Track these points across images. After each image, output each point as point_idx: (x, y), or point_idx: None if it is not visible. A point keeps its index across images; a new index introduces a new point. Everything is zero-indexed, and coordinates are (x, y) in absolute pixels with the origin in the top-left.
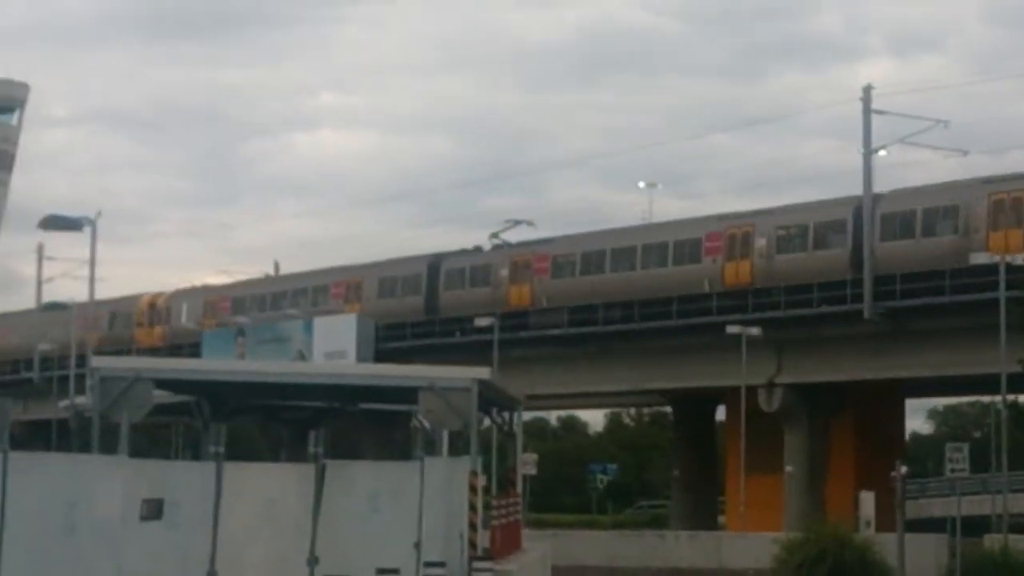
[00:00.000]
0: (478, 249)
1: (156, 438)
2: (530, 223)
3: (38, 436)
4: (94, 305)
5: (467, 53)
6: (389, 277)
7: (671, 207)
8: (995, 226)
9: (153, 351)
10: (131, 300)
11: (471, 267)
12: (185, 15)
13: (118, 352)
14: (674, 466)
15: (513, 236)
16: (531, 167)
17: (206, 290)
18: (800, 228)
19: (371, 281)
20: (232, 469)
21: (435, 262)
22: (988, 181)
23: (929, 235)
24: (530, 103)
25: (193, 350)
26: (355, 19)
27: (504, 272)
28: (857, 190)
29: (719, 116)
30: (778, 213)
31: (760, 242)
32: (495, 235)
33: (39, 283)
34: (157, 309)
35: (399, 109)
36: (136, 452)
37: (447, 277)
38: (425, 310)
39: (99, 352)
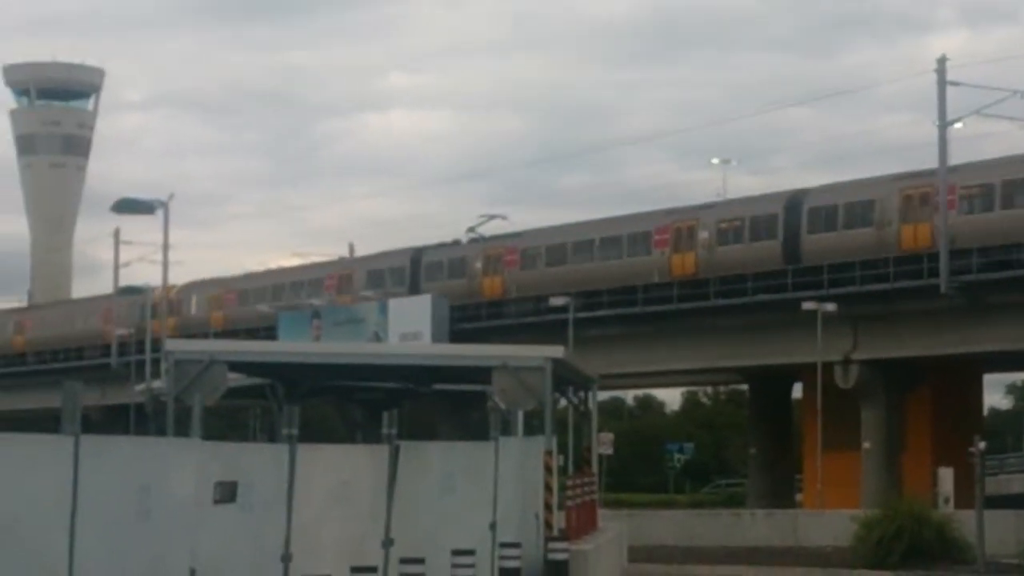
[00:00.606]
0: (456, 243)
1: (233, 421)
2: (504, 217)
3: (116, 421)
4: (164, 289)
5: (540, 31)
6: (377, 269)
7: (745, 183)
8: (906, 219)
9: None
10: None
11: (448, 260)
12: None
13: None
14: (751, 444)
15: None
16: (604, 144)
17: (214, 283)
18: (739, 222)
19: (360, 273)
20: (306, 451)
21: (417, 255)
22: (899, 178)
23: (849, 228)
24: (603, 80)
25: (268, 333)
26: None
27: (478, 265)
28: (933, 162)
29: (793, 91)
30: (720, 207)
31: (703, 235)
32: (471, 229)
33: (116, 268)
34: (170, 301)
35: (471, 88)
36: (213, 435)
37: (427, 269)
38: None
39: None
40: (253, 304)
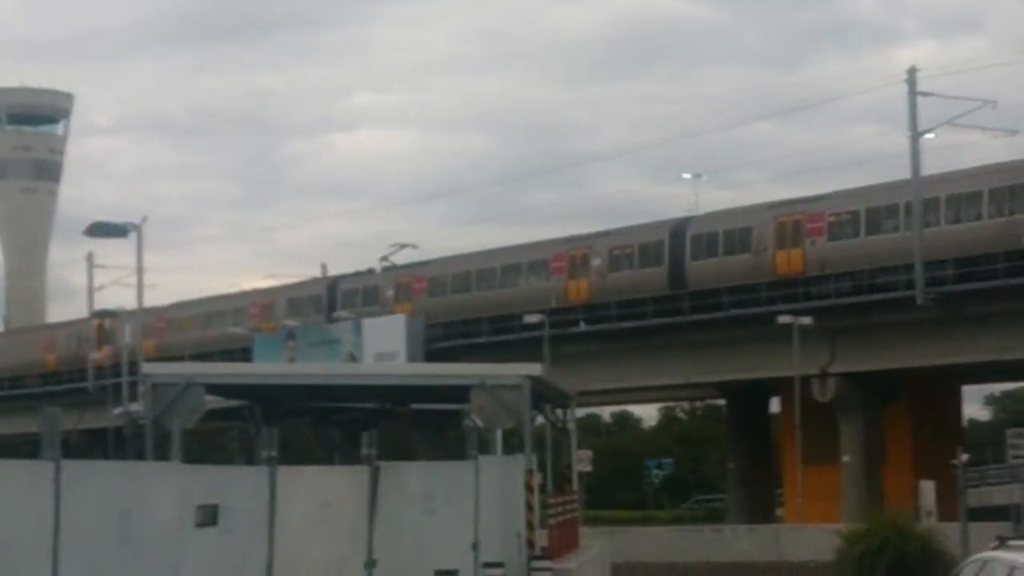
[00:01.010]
0: (371, 271)
1: (211, 444)
2: (414, 246)
3: (95, 445)
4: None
5: (504, 49)
6: (296, 298)
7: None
8: (780, 245)
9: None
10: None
11: (363, 287)
12: (221, 21)
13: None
14: (729, 459)
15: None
16: (572, 161)
17: (144, 312)
18: (628, 249)
19: (281, 302)
20: (286, 473)
21: (333, 284)
22: (773, 206)
23: (729, 254)
24: (570, 97)
25: (243, 355)
26: (390, 19)
27: (390, 292)
28: (904, 173)
29: (761, 104)
30: (612, 235)
31: (596, 262)
32: (384, 258)
33: (90, 291)
34: (103, 329)
35: (437, 107)
36: (191, 458)
37: (344, 297)
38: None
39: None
40: (181, 332)
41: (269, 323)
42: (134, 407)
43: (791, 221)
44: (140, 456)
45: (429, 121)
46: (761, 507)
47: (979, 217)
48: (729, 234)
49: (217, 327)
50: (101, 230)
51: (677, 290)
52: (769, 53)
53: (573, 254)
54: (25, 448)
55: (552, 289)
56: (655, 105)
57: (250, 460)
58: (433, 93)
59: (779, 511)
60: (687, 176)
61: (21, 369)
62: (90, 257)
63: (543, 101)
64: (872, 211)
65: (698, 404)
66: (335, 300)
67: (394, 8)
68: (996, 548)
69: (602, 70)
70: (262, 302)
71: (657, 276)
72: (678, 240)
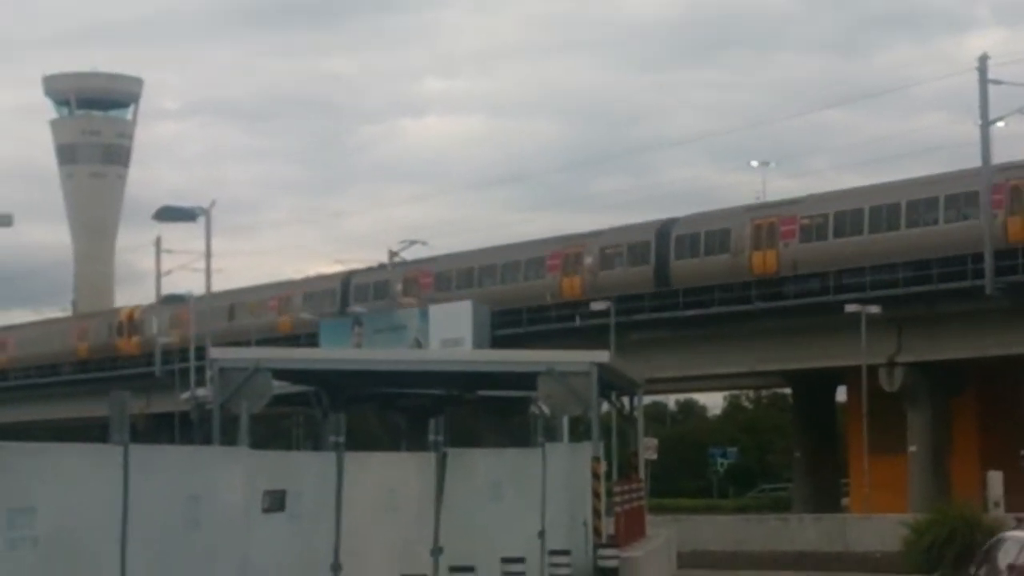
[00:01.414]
0: (383, 267)
1: (277, 429)
2: (424, 243)
3: (162, 429)
4: (210, 297)
5: (575, 34)
6: (311, 292)
7: (784, 185)
8: (756, 247)
9: (133, 359)
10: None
11: (374, 283)
12: (291, 5)
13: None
14: (795, 448)
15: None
16: (641, 147)
17: (173, 305)
18: (618, 248)
19: (297, 296)
20: (353, 459)
21: (347, 279)
22: (750, 209)
23: (709, 254)
24: (639, 82)
25: (311, 340)
26: (461, 4)
27: (399, 287)
28: (975, 161)
29: (830, 92)
30: (604, 235)
31: (588, 260)
32: (395, 254)
33: (158, 276)
34: (132, 320)
35: (506, 92)
36: (257, 443)
37: (356, 291)
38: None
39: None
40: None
41: (286, 317)
42: (201, 392)
43: (767, 223)
44: (207, 441)
45: (497, 106)
46: (827, 496)
47: None
48: (710, 235)
49: (240, 319)
50: (169, 214)
51: (662, 288)
52: (840, 40)
53: (567, 252)
54: (94, 432)
55: (547, 286)
56: (725, 91)
57: (316, 446)
58: (502, 78)
59: (845, 501)
60: (755, 163)
61: (52, 358)
62: (158, 242)
63: (612, 86)
64: (840, 215)
65: (764, 392)
66: (348, 294)
67: None
68: (1015, 528)
69: (672, 56)
70: (281, 295)
71: (644, 275)
72: (664, 241)
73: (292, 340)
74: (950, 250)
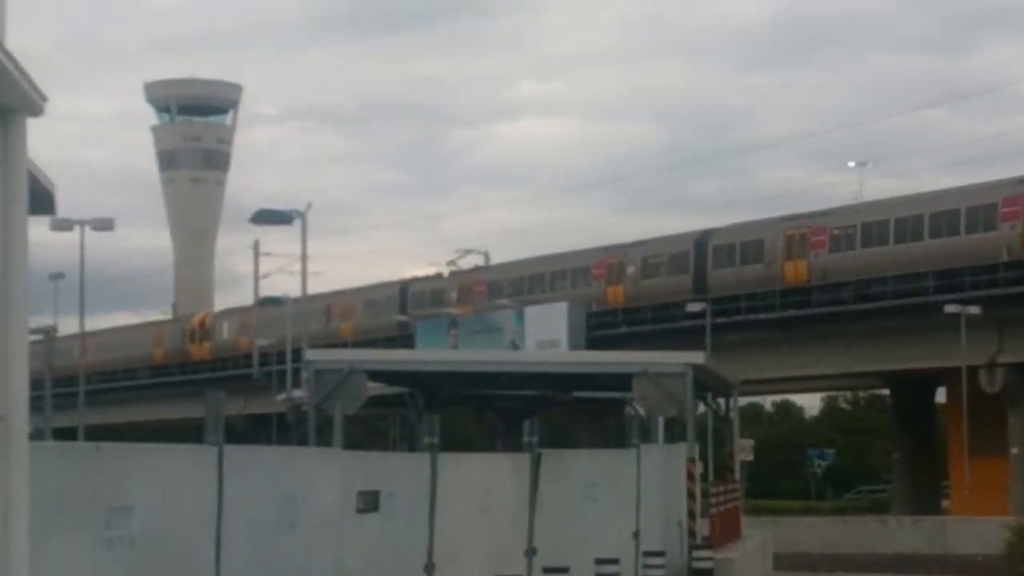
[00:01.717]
0: (440, 276)
1: (372, 430)
2: (480, 252)
3: (259, 430)
4: (306, 299)
5: (669, 36)
6: (372, 300)
7: (881, 186)
8: (788, 256)
9: (203, 363)
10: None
11: (431, 291)
12: (386, 10)
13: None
14: (894, 450)
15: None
16: (736, 149)
17: (241, 311)
18: (659, 258)
19: (359, 305)
20: (447, 460)
21: (405, 287)
22: (784, 219)
23: (744, 264)
24: (735, 84)
25: (405, 342)
26: (555, 7)
27: (453, 295)
28: None
29: (928, 91)
30: (646, 245)
31: (631, 270)
32: (452, 263)
33: (256, 279)
34: (204, 326)
35: (601, 95)
36: (353, 444)
37: (413, 299)
38: (398, 327)
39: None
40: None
41: (347, 323)
42: (297, 393)
43: (798, 234)
44: (303, 442)
45: (593, 109)
46: (926, 498)
47: None
48: (745, 246)
49: (302, 325)
50: (266, 217)
51: (701, 295)
52: (938, 40)
53: (611, 262)
54: (192, 433)
55: (592, 294)
56: (820, 92)
57: (411, 447)
58: (597, 81)
59: (945, 503)
60: (852, 164)
61: (133, 362)
62: (256, 245)
63: (707, 88)
64: (867, 226)
65: (862, 394)
66: (406, 302)
67: None
68: None
69: (767, 57)
70: (342, 303)
71: (683, 283)
72: (702, 251)
73: (390, 342)
74: (969, 260)
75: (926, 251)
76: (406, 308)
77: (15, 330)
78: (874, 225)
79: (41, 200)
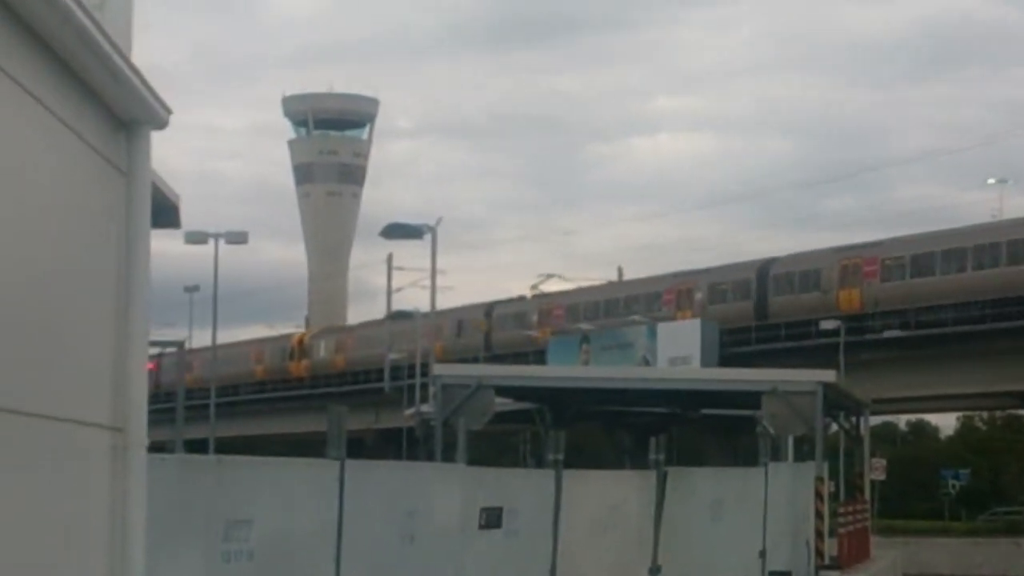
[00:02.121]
0: (522, 298)
1: (504, 446)
2: (561, 276)
3: (389, 444)
4: (435, 314)
5: (806, 52)
6: (458, 320)
7: (1021, 204)
8: (842, 285)
9: (300, 380)
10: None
11: (514, 314)
12: (521, 24)
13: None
14: None
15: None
16: (872, 166)
17: (337, 329)
18: (725, 285)
19: (449, 325)
20: (571, 476)
21: (490, 310)
22: (838, 251)
23: (803, 292)
24: (871, 100)
25: (537, 358)
26: (690, 21)
27: (534, 318)
28: None
29: None
30: (712, 272)
31: (698, 296)
32: (534, 287)
33: (389, 293)
34: (303, 345)
35: (736, 110)
36: (482, 460)
37: (497, 321)
38: (484, 348)
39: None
40: (366, 349)
41: (438, 343)
42: (425, 408)
43: (852, 264)
44: (431, 457)
45: (728, 124)
46: None
47: None
48: (804, 275)
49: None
50: (397, 231)
51: (761, 321)
52: None
53: (680, 288)
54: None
55: (664, 319)
56: (959, 108)
57: (539, 463)
58: (732, 96)
59: None
60: (992, 181)
61: (231, 379)
62: (389, 259)
63: (844, 104)
64: (916, 258)
65: (998, 414)
66: (491, 323)
67: (697, 10)
68: None
69: (904, 73)
70: (429, 323)
71: (745, 309)
72: (763, 279)
73: (521, 357)
74: (1009, 291)
75: (970, 282)
76: (490, 331)
77: (135, 342)
78: (922, 257)
79: (166, 213)
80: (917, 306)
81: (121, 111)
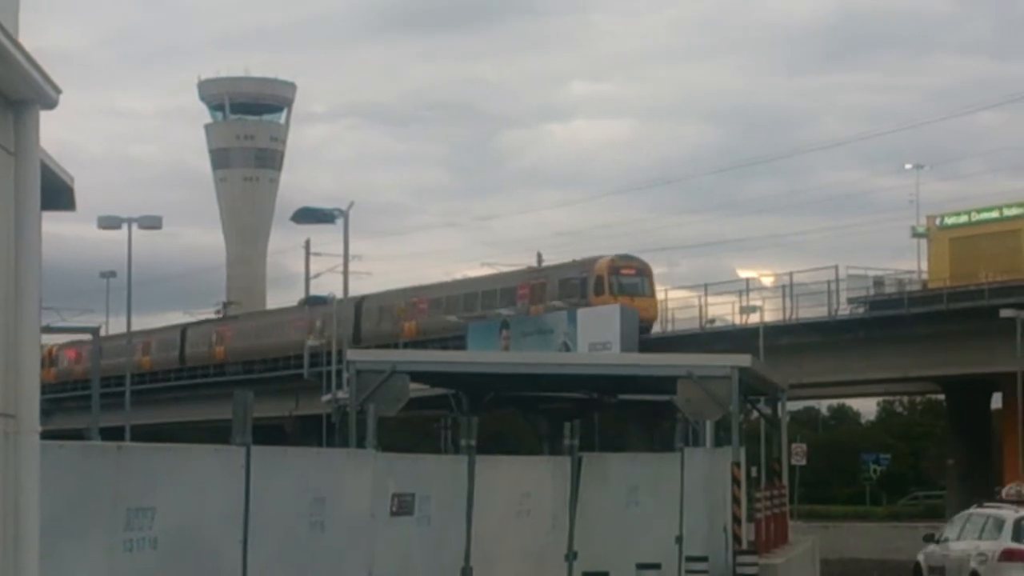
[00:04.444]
0: (389, 292)
1: (425, 432)
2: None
3: (310, 431)
4: (348, 300)
5: (723, 37)
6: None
7: (937, 189)
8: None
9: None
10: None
11: (380, 307)
12: (437, 10)
13: None
14: (949, 455)
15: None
16: (791, 151)
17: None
18: (574, 280)
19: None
20: (484, 462)
21: (360, 302)
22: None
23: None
24: (789, 86)
25: (458, 343)
26: (607, 7)
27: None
28: None
29: (985, 94)
30: (563, 268)
31: (550, 289)
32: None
33: (307, 279)
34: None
35: (654, 96)
36: (404, 446)
37: (366, 314)
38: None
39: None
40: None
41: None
42: (341, 394)
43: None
44: (345, 443)
45: (646, 110)
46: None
47: None
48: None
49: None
50: (308, 216)
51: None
52: (995, 42)
53: (533, 283)
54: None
55: (518, 313)
56: (877, 94)
57: (458, 449)
58: (650, 82)
59: None
60: (909, 167)
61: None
62: (307, 244)
63: (761, 90)
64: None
65: (917, 399)
66: (360, 316)
67: None
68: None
69: (822, 59)
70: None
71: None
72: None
73: (441, 343)
74: None
75: None
76: (360, 323)
77: (26, 326)
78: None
79: (59, 194)
80: None
81: (8, 90)
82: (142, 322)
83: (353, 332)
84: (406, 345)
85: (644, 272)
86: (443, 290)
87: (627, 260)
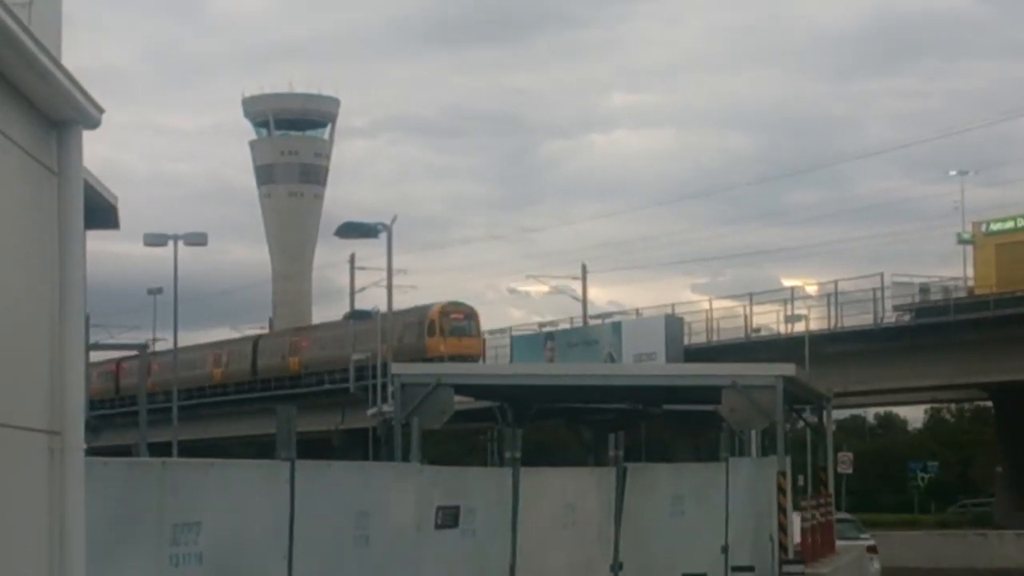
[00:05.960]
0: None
1: (473, 445)
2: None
3: (356, 445)
4: (392, 314)
5: (763, 45)
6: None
7: (982, 195)
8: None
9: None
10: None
11: (272, 347)
12: (477, 21)
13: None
14: (997, 462)
15: None
16: (833, 159)
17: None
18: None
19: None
20: (528, 474)
21: (256, 341)
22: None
23: None
24: (829, 93)
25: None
26: (647, 16)
27: (287, 348)
28: None
29: None
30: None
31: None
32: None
33: (352, 293)
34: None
35: (694, 106)
36: (450, 459)
37: (262, 351)
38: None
39: None
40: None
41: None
42: (386, 408)
43: None
44: (391, 457)
45: (686, 120)
46: None
47: None
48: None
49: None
50: (352, 230)
51: None
52: None
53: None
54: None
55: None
56: (918, 101)
57: (503, 462)
58: (690, 91)
59: None
60: (953, 173)
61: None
62: (352, 259)
63: (802, 98)
64: None
65: (966, 406)
66: (257, 354)
67: (650, 5)
68: None
69: (862, 66)
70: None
71: None
72: None
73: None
74: None
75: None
76: (257, 360)
77: (71, 343)
78: None
79: (103, 214)
80: None
81: (51, 111)
82: (189, 338)
83: (251, 367)
84: (291, 378)
85: (471, 316)
86: (320, 331)
87: (456, 306)
